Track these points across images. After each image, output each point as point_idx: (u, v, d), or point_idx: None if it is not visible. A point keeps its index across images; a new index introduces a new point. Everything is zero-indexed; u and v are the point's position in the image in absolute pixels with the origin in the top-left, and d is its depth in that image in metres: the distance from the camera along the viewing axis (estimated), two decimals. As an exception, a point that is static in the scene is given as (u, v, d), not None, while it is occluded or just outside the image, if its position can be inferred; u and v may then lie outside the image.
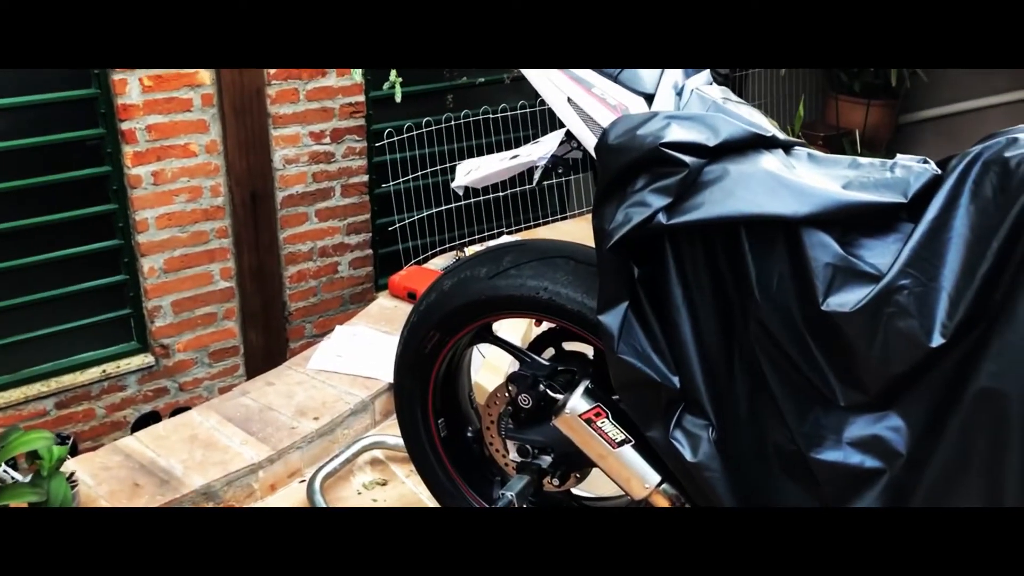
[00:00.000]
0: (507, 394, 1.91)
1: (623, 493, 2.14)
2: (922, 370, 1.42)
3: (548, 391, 1.81)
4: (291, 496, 2.42)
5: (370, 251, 4.24)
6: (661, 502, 1.66)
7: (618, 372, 1.54)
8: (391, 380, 2.72)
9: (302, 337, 4.21)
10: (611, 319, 1.52)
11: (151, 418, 3.74)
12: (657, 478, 1.65)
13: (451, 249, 3.77)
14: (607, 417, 1.65)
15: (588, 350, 1.97)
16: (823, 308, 1.43)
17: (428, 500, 2.39)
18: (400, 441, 2.54)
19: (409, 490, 2.45)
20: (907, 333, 1.40)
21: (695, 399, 1.52)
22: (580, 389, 1.67)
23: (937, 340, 1.38)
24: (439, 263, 3.55)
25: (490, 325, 1.97)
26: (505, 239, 3.74)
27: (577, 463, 1.89)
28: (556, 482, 1.87)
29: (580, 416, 1.65)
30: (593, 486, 2.04)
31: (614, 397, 1.71)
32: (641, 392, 1.55)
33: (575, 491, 2.04)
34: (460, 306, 1.88)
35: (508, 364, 2.83)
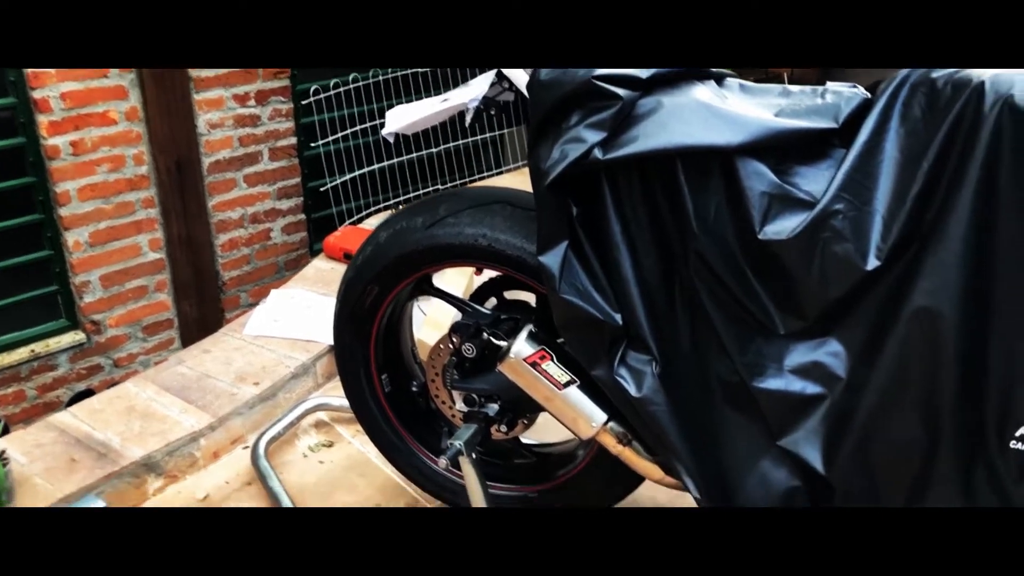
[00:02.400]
0: (451, 345, 1.89)
1: (570, 438, 2.15)
2: (859, 293, 1.43)
3: (492, 339, 1.80)
4: (235, 463, 2.38)
5: (303, 216, 4.16)
6: (608, 440, 1.67)
7: (561, 312, 1.53)
8: (331, 342, 2.69)
9: (238, 307, 4.13)
10: (551, 259, 1.50)
11: (85, 397, 3.64)
12: (604, 416, 1.65)
13: (386, 208, 3.71)
14: (552, 359, 1.64)
15: (531, 298, 1.96)
16: (760, 237, 1.43)
17: (376, 459, 2.37)
18: (344, 402, 2.50)
19: (356, 450, 2.43)
20: (843, 257, 1.41)
21: (638, 335, 1.52)
22: (524, 333, 1.66)
23: (872, 263, 1.39)
24: (374, 223, 3.50)
25: (430, 276, 1.95)
26: (440, 196, 3.70)
27: (524, 409, 1.89)
28: (504, 429, 1.86)
29: (525, 360, 1.65)
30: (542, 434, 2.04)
31: (558, 340, 1.71)
32: (584, 331, 1.54)
33: (522, 439, 2.04)
34: (397, 258, 1.85)
35: (451, 320, 2.82)
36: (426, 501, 2.23)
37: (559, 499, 1.97)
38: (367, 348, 2.00)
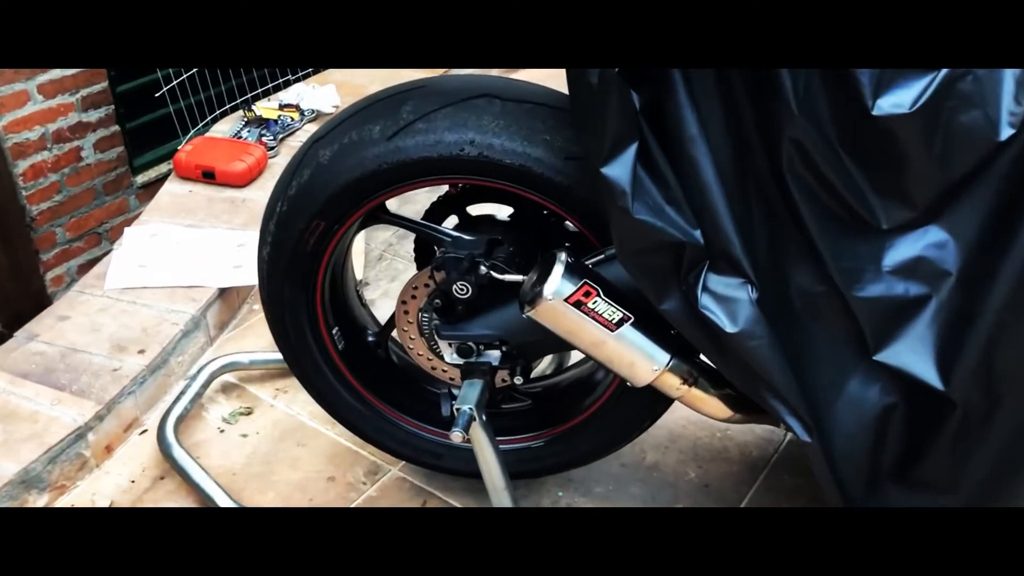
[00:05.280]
0: (430, 284, 1.50)
1: (555, 371, 1.84)
2: (981, 170, 1.18)
3: (493, 273, 1.42)
4: (135, 455, 1.90)
5: (117, 127, 3.49)
6: (671, 382, 1.36)
7: (631, 237, 1.17)
8: (219, 284, 2.20)
9: (54, 245, 3.46)
10: (619, 171, 1.13)
11: None
12: (667, 356, 1.33)
13: (233, 110, 3.12)
14: (598, 295, 1.29)
15: (497, 210, 1.59)
16: (875, 113, 1.13)
17: (311, 420, 1.97)
18: (256, 357, 2.08)
19: (283, 413, 2.00)
20: (971, 128, 1.14)
21: (725, 254, 1.20)
22: (559, 267, 1.29)
23: (1006, 131, 1.14)
24: (224, 129, 2.93)
25: (385, 203, 1.53)
26: (301, 88, 3.14)
27: (536, 351, 1.55)
28: (519, 380, 1.51)
29: (567, 300, 1.28)
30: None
31: (587, 262, 1.36)
32: (655, 257, 1.20)
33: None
34: (352, 182, 1.42)
35: (361, 241, 2.39)
36: (388, 463, 1.86)
37: (567, 445, 1.66)
38: (312, 299, 1.56)
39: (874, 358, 1.29)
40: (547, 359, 1.89)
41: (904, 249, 1.24)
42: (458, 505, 1.77)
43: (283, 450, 1.91)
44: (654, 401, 1.52)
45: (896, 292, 1.25)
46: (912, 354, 1.27)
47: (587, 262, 1.37)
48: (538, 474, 1.72)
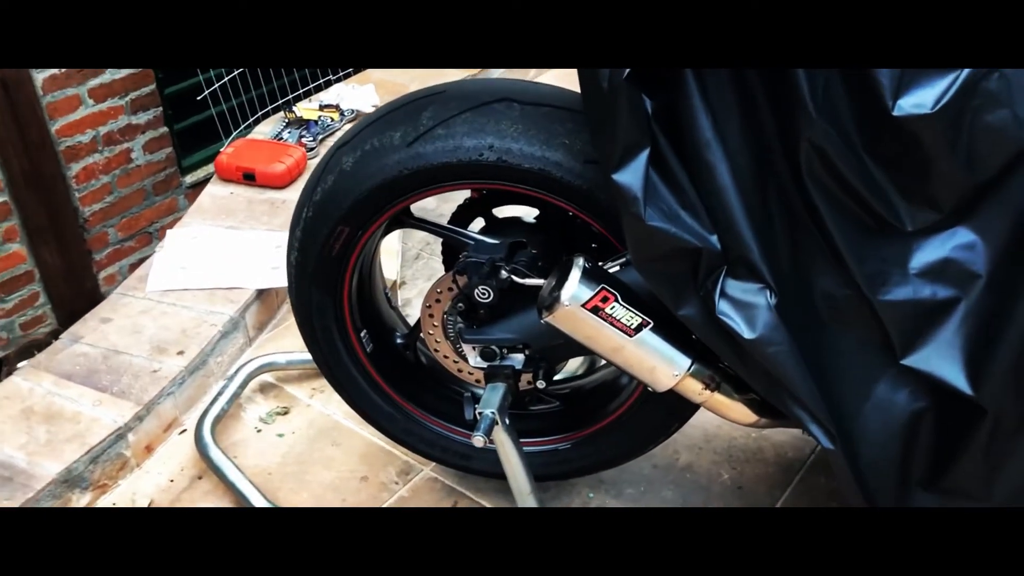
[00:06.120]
0: (453, 288, 1.51)
1: (586, 372, 1.83)
2: (1010, 170, 1.14)
3: (514, 277, 1.42)
4: (175, 454, 1.94)
5: (165, 128, 3.55)
6: (693, 387, 1.34)
7: (646, 243, 1.16)
8: (257, 286, 2.23)
9: (107, 245, 3.54)
10: (631, 177, 1.12)
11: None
12: (687, 361, 1.32)
13: (275, 111, 3.16)
14: (616, 300, 1.28)
15: (524, 212, 1.58)
16: (895, 114, 1.10)
17: (346, 420, 1.99)
18: (293, 357, 2.11)
19: (318, 413, 2.03)
20: (998, 128, 1.11)
21: (743, 259, 1.18)
22: (576, 272, 1.28)
23: (1036, 131, 1.10)
24: (265, 130, 2.97)
25: (409, 207, 1.53)
26: (341, 88, 3.17)
27: (559, 356, 1.54)
28: (542, 383, 1.51)
29: (584, 306, 1.28)
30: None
31: (608, 267, 1.35)
32: (670, 263, 1.19)
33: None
34: (375, 188, 1.43)
35: (397, 241, 2.41)
36: (420, 464, 1.87)
37: (595, 448, 1.65)
38: (340, 304, 1.58)
39: (901, 363, 1.26)
40: (579, 358, 1.88)
41: (931, 251, 1.21)
42: (489, 506, 1.77)
43: (317, 450, 1.94)
44: (680, 405, 1.51)
45: (923, 295, 1.22)
46: (940, 359, 1.24)
47: (607, 266, 1.36)
48: (566, 476, 1.72)
